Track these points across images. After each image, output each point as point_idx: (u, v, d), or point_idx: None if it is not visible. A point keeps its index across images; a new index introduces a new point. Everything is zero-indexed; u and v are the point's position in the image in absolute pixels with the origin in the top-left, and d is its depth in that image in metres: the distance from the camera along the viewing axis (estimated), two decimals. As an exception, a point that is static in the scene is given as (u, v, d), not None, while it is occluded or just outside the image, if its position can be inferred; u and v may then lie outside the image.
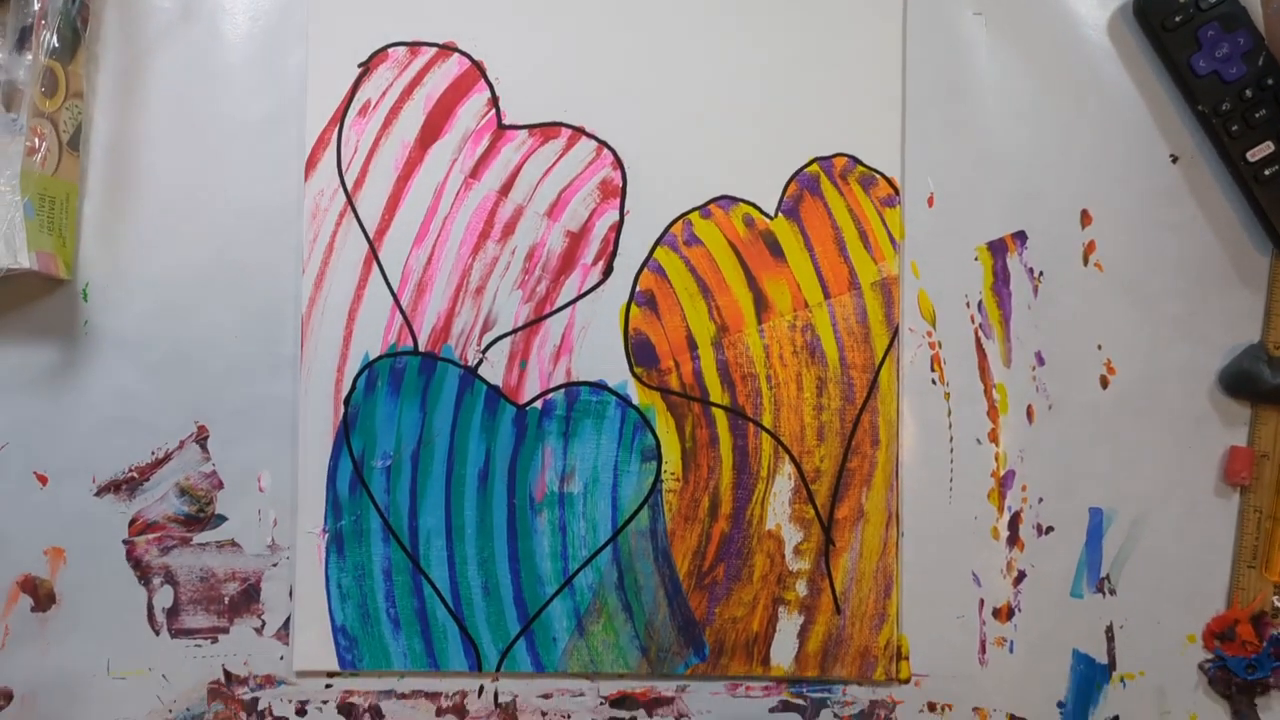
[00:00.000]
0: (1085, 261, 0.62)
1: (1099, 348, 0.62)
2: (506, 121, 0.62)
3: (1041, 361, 0.62)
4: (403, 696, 0.61)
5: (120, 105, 0.61)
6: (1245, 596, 0.62)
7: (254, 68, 0.62)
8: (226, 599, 0.61)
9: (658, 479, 0.61)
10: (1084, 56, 0.62)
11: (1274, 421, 0.62)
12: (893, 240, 0.62)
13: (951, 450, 0.62)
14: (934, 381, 0.62)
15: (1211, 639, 0.62)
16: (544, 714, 0.61)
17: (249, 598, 0.61)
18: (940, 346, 0.62)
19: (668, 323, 0.62)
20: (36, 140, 0.56)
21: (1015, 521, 0.62)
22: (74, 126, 0.60)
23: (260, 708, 0.61)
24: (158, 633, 0.61)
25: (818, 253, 0.62)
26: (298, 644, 0.61)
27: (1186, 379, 0.62)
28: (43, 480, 0.60)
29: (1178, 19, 0.60)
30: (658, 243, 0.62)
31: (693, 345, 0.61)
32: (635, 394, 0.61)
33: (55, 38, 0.58)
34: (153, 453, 0.61)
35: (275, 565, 0.61)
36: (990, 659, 0.62)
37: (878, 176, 0.62)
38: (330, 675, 0.61)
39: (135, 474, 0.61)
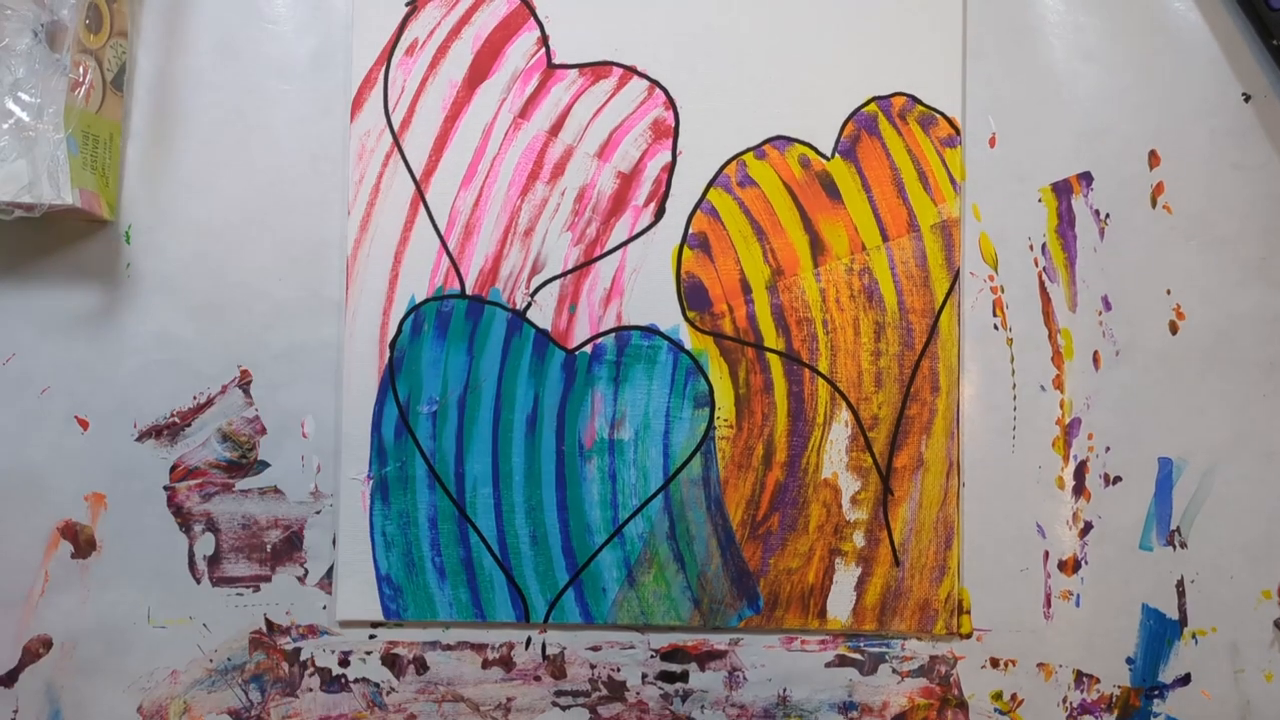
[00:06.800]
0: (1154, 203, 0.60)
1: (1168, 292, 0.60)
2: (556, 61, 0.60)
3: (1108, 306, 0.60)
4: (448, 648, 0.60)
5: (164, 45, 0.60)
6: (1322, 551, 0.59)
7: (301, 6, 0.61)
8: (268, 547, 0.60)
9: (710, 426, 0.59)
10: (1152, -9, 0.61)
11: (1352, 369, 0.59)
12: (953, 181, 0.60)
13: (1014, 397, 0.60)
14: (996, 326, 0.60)
15: (1287, 595, 0.60)
16: (593, 666, 0.60)
17: (291, 546, 0.60)
18: (1002, 290, 0.60)
19: (721, 265, 0.60)
20: (81, 72, 0.55)
21: (1081, 471, 0.60)
22: (118, 66, 0.59)
23: (303, 658, 0.60)
24: (199, 581, 0.59)
25: (875, 194, 0.60)
26: (341, 593, 0.59)
27: (1260, 324, 0.60)
28: (84, 425, 0.59)
29: (1251, -49, 0.58)
30: (711, 184, 0.60)
31: (747, 289, 0.60)
32: (687, 338, 0.60)
33: (101, -29, 0.57)
34: (195, 397, 0.60)
35: (318, 513, 0.60)
36: (1055, 613, 0.59)
37: (938, 116, 0.60)
38: (374, 625, 0.60)
39: (177, 419, 0.59)
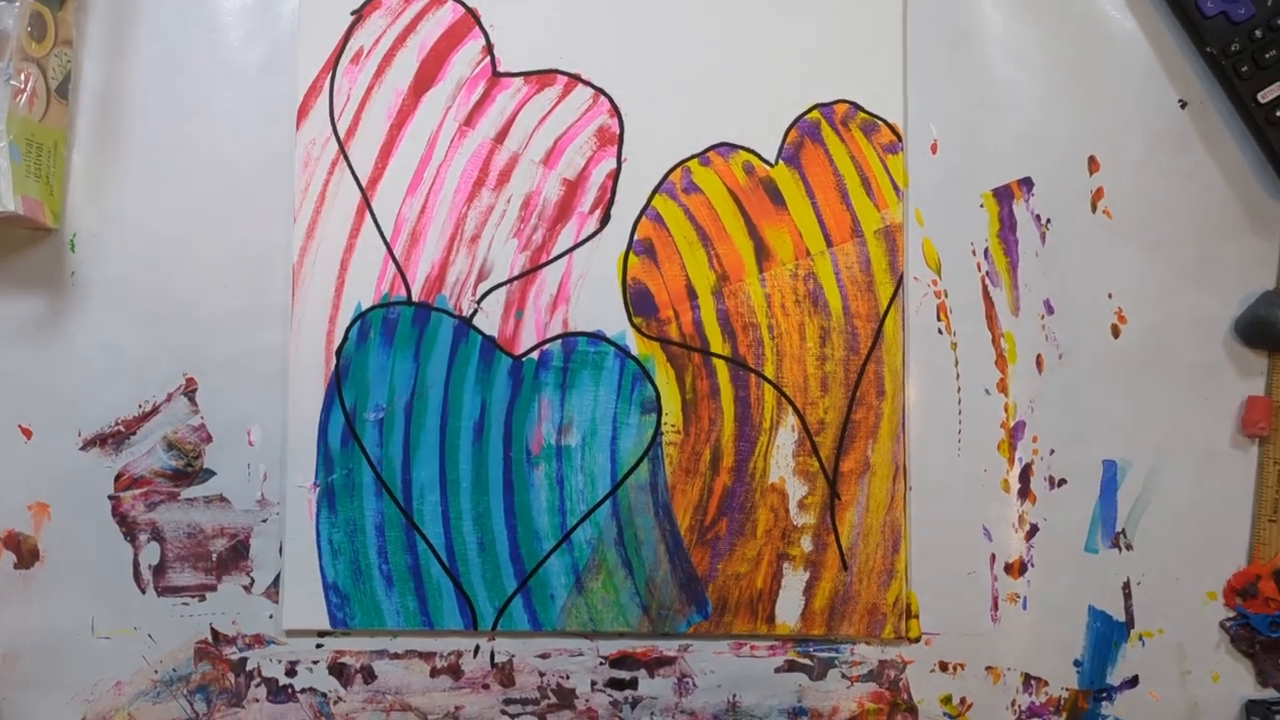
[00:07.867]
0: (1094, 208, 0.61)
1: (1109, 296, 0.61)
2: (501, 69, 0.61)
3: (1050, 310, 0.60)
4: (396, 656, 0.59)
5: (110, 52, 0.60)
6: (1266, 552, 0.60)
7: (246, 15, 0.61)
8: (214, 556, 0.59)
9: (658, 431, 0.59)
10: (1090, -1, 0.61)
11: (1292, 370, 0.60)
12: (896, 187, 0.61)
13: (959, 401, 0.60)
14: (940, 331, 0.60)
15: (1233, 596, 0.60)
16: (542, 674, 0.59)
17: (237, 554, 0.59)
18: (946, 295, 0.60)
19: (667, 272, 0.60)
20: (23, 80, 0.55)
21: (1026, 474, 0.60)
22: (63, 74, 0.59)
23: (249, 668, 0.59)
24: (144, 591, 0.59)
25: (819, 200, 0.61)
26: (287, 602, 0.59)
27: (1200, 327, 0.60)
28: (27, 434, 0.59)
29: (1185, -41, 0.59)
30: (656, 190, 0.60)
31: (692, 294, 0.60)
32: (634, 344, 0.60)
33: (44, -20, 0.57)
34: (140, 405, 0.59)
35: (265, 521, 0.59)
36: (1003, 616, 0.60)
37: (880, 123, 0.61)
38: (321, 635, 0.59)
39: (122, 427, 0.59)
